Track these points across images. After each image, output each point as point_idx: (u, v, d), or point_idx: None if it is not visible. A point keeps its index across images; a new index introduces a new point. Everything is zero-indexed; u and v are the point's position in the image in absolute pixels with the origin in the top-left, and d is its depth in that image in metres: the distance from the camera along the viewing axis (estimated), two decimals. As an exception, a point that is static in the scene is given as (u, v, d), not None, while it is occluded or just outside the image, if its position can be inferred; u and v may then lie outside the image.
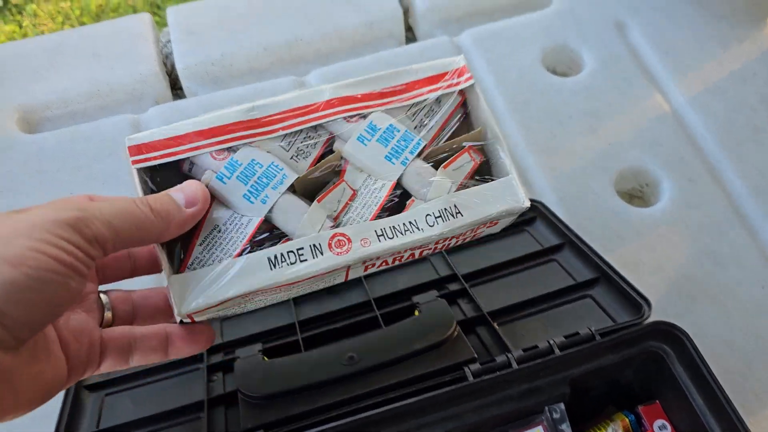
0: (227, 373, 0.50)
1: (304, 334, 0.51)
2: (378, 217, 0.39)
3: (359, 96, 0.41)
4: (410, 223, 0.39)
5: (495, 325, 0.50)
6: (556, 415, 0.45)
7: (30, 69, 0.74)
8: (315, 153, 0.40)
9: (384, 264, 0.41)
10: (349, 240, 0.38)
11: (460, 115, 0.43)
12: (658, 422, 0.45)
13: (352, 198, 0.40)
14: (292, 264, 0.37)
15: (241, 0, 0.79)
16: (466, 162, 0.42)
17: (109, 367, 0.37)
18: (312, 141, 0.40)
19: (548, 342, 0.45)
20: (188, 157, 0.38)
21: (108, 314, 0.39)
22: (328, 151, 0.41)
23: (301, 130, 0.40)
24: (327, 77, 0.72)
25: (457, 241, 0.43)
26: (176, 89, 0.79)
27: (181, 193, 0.36)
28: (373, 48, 0.78)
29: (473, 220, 0.40)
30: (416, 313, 0.51)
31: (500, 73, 0.72)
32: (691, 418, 0.43)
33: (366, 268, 0.41)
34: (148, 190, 0.37)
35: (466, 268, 0.55)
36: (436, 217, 0.39)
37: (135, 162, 0.37)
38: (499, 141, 0.43)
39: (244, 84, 0.74)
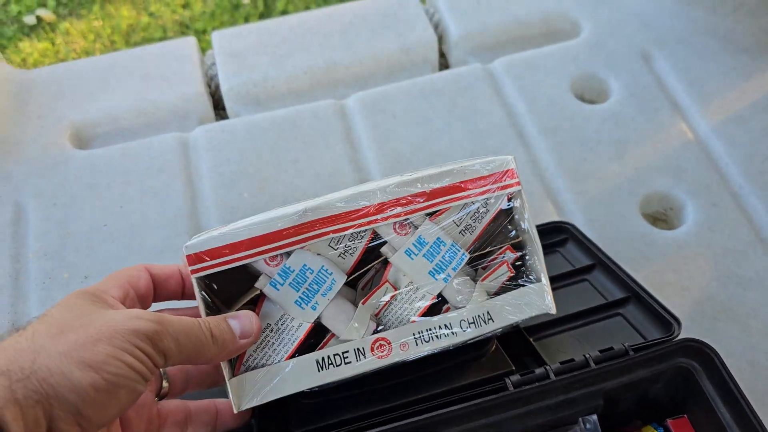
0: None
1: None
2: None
3: (409, 198, 0.44)
4: (445, 326, 0.44)
5: (531, 339, 0.52)
6: (589, 426, 0.47)
7: (83, 88, 0.78)
8: (361, 248, 0.44)
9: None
10: (390, 344, 0.43)
11: (505, 218, 0.47)
12: (687, 435, 0.47)
13: (394, 297, 0.44)
14: (337, 366, 0.41)
15: (283, 25, 0.83)
16: (503, 273, 0.47)
17: None
18: (359, 238, 0.43)
19: (584, 356, 0.47)
20: (246, 263, 0.41)
21: (165, 384, 0.43)
22: (376, 245, 0.44)
23: (354, 235, 0.43)
24: (365, 101, 0.76)
25: None
26: (218, 109, 0.82)
27: (238, 323, 0.40)
28: (409, 73, 0.81)
29: (503, 326, 0.45)
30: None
31: (531, 100, 0.75)
32: (718, 432, 0.45)
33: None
34: (206, 299, 0.41)
35: (501, 286, 0.58)
36: (469, 323, 0.44)
37: (194, 272, 0.41)
38: (536, 250, 0.47)
39: (285, 106, 0.78)
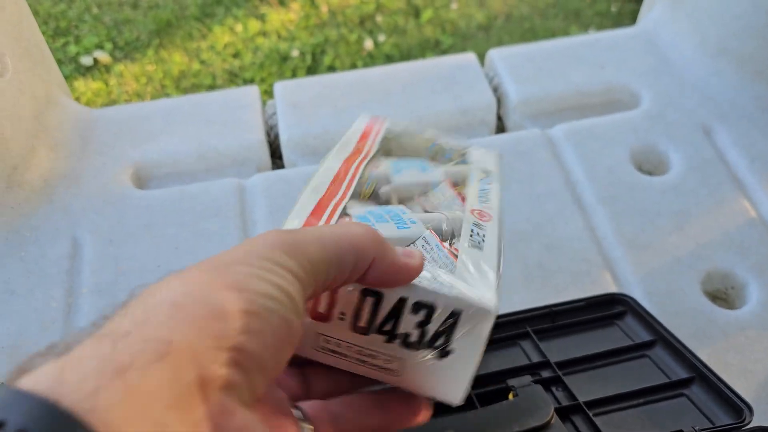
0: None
1: (399, 406, 0.52)
2: None
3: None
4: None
5: (591, 414, 0.51)
6: None
7: (146, 129, 0.80)
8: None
9: None
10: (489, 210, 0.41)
11: None
12: None
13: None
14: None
15: (344, 80, 0.85)
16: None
17: None
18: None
19: (651, 437, 0.45)
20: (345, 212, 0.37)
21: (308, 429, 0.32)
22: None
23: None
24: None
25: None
26: (275, 158, 0.83)
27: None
28: (466, 134, 0.82)
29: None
30: (510, 396, 0.52)
31: (590, 168, 0.75)
32: None
33: None
34: None
35: (558, 356, 0.56)
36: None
37: None
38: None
39: (342, 158, 0.79)
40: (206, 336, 0.22)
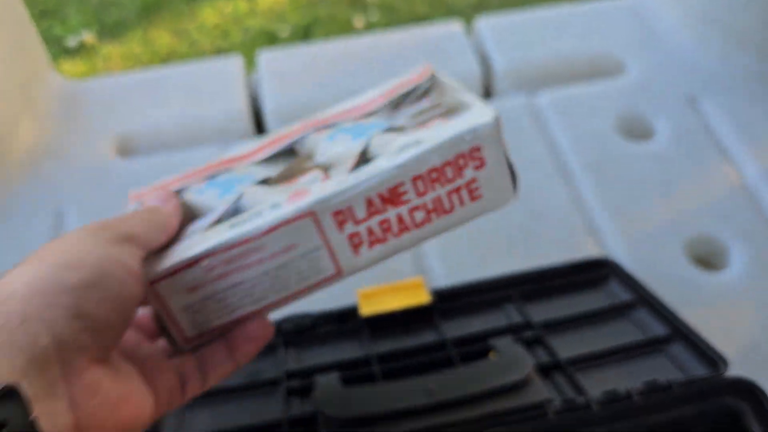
0: (305, 398, 0.52)
1: (381, 367, 0.53)
2: None
3: (338, 113, 0.42)
4: (375, 166, 0.36)
5: (571, 371, 0.51)
6: (633, 465, 0.45)
7: (130, 100, 0.79)
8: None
9: (377, 243, 0.36)
10: (309, 191, 0.35)
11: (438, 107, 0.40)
12: (735, 479, 0.45)
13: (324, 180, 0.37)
14: (250, 221, 0.35)
15: (329, 49, 0.84)
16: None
17: (190, 394, 0.37)
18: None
19: (626, 388, 0.46)
20: (176, 190, 0.40)
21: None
22: None
23: (278, 153, 0.41)
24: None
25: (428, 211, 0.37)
26: (258, 127, 0.83)
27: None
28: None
29: (439, 141, 0.35)
30: (492, 355, 0.53)
31: (575, 135, 0.75)
32: (767, 477, 0.43)
33: (355, 245, 0.36)
34: None
35: (540, 318, 0.57)
36: (400, 150, 0.36)
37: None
38: (463, 93, 0.40)
39: (327, 128, 0.79)
40: (57, 307, 0.27)
